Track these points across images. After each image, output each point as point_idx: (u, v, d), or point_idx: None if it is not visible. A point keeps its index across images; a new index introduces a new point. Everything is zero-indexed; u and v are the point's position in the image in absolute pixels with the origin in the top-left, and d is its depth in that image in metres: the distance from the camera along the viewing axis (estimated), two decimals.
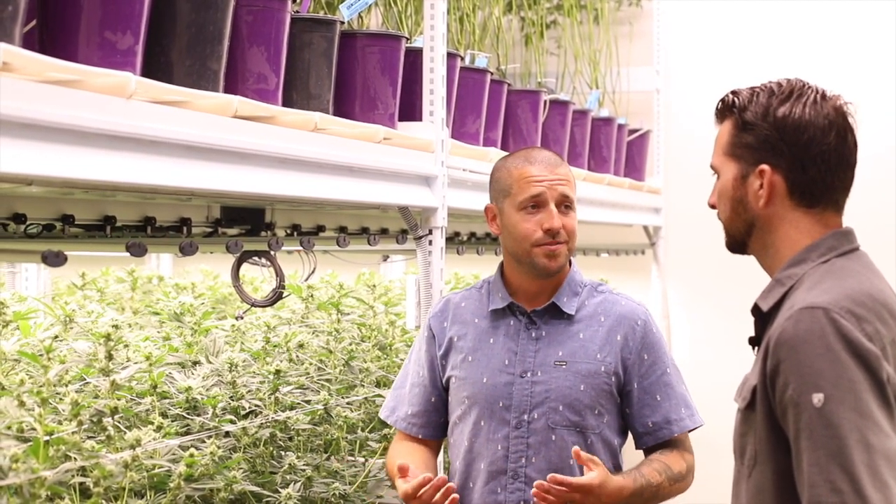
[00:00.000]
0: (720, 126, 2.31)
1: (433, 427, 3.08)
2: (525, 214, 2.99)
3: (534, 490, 2.72)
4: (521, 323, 3.03)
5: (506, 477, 2.93)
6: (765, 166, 2.21)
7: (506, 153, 4.32)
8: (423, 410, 3.09)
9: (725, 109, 2.29)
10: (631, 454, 3.04)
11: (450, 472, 3.06)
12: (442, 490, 2.77)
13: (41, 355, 2.74)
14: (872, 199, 5.69)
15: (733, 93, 2.28)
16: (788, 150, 2.20)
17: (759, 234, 2.26)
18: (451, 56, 3.71)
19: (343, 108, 3.22)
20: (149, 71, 2.38)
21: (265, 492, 3.00)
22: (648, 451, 3.02)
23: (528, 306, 3.03)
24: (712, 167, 2.32)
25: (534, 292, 3.04)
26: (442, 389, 3.09)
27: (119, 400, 2.77)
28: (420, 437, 3.09)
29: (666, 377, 3.01)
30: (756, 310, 2.24)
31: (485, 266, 6.02)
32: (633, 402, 2.99)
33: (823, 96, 2.22)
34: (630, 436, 3.06)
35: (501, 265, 3.10)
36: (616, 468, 2.98)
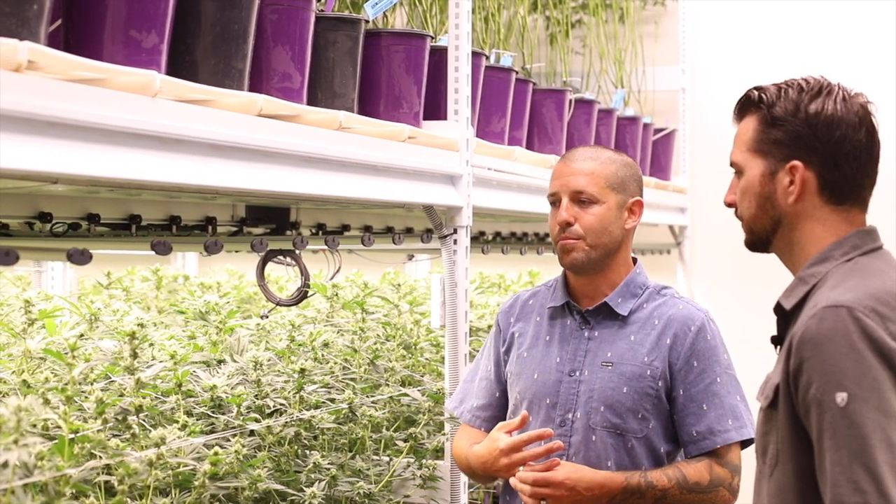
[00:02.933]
0: (741, 122, 2.29)
1: (496, 421, 3.08)
2: (552, 211, 3.03)
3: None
4: (575, 322, 3.03)
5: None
6: (796, 162, 2.20)
7: (530, 152, 4.33)
8: (488, 404, 3.13)
9: (750, 105, 2.27)
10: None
11: None
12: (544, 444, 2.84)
13: (66, 353, 2.75)
14: (876, 199, 5.66)
15: (757, 89, 2.26)
16: (821, 147, 2.18)
17: (784, 232, 2.24)
18: (476, 55, 3.71)
19: (368, 107, 3.22)
20: (173, 69, 2.39)
21: (290, 490, 3.00)
22: None
23: (583, 305, 3.03)
24: (733, 163, 2.30)
25: (589, 291, 3.03)
26: (505, 384, 3.11)
27: (144, 398, 2.77)
28: (483, 430, 3.09)
29: (715, 386, 2.94)
30: (779, 308, 2.22)
31: (510, 265, 6.02)
32: (679, 410, 2.94)
33: (849, 94, 2.20)
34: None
35: None
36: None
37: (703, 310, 3.03)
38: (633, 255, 3.11)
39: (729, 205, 2.32)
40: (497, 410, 3.12)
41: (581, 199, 2.97)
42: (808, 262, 2.20)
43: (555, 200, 3.02)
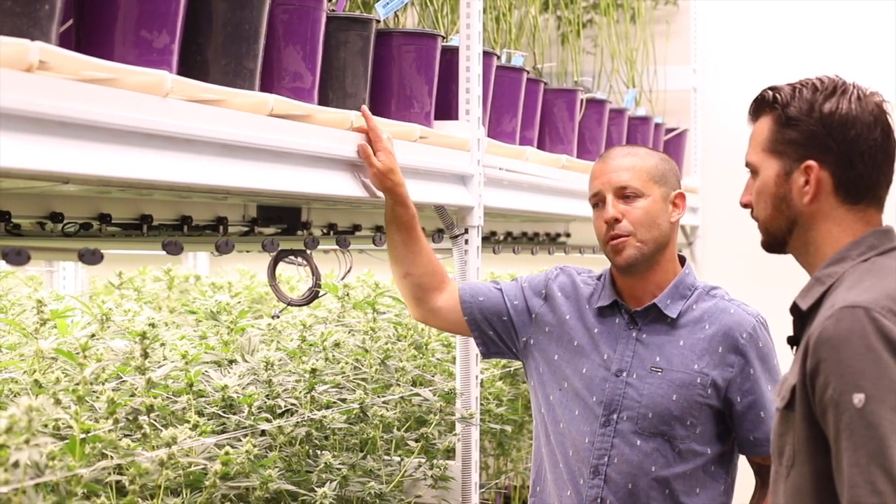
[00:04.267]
0: (756, 122, 2.29)
1: (473, 311, 3.11)
2: (595, 212, 3.00)
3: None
4: (624, 321, 3.01)
5: (588, 470, 2.94)
6: (811, 162, 2.19)
7: (542, 151, 4.33)
8: (484, 300, 3.13)
9: (764, 105, 2.26)
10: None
11: (538, 442, 3.11)
12: None
13: (78, 353, 2.75)
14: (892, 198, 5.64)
15: (772, 89, 2.25)
16: (836, 146, 2.17)
17: (800, 232, 2.23)
18: (487, 55, 3.70)
19: (379, 107, 3.22)
20: (185, 69, 2.39)
21: (301, 490, 3.00)
22: (751, 459, 3.02)
23: (632, 305, 3.01)
24: (748, 164, 2.29)
25: (637, 292, 3.01)
26: (507, 322, 3.12)
27: (155, 398, 2.77)
28: (464, 298, 3.12)
29: (770, 393, 2.91)
30: (795, 309, 2.21)
31: (521, 265, 6.01)
32: (736, 417, 2.94)
33: (864, 93, 2.19)
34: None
35: None
36: (706, 474, 2.95)
37: (754, 313, 2.99)
38: (680, 253, 3.09)
39: (745, 205, 2.31)
40: (485, 314, 3.12)
41: (626, 195, 2.94)
42: (824, 263, 2.19)
43: (598, 201, 2.99)
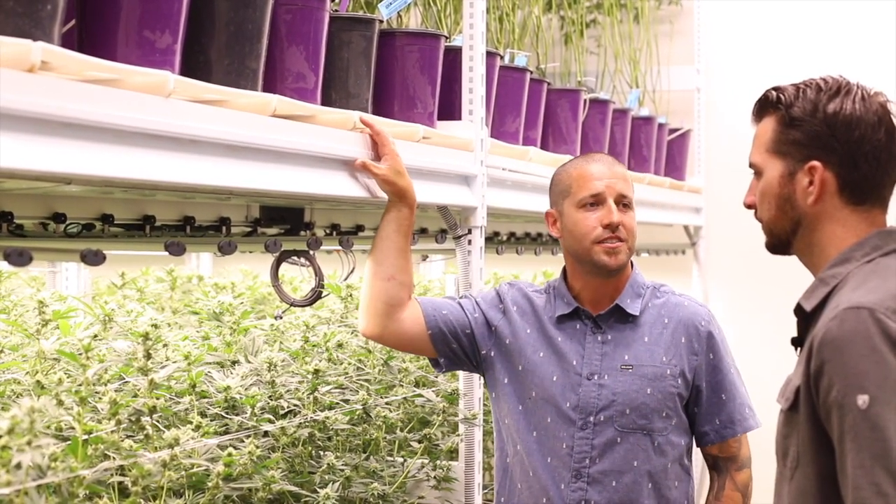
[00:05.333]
0: (760, 123, 2.28)
1: (438, 324, 3.09)
2: (585, 212, 3.03)
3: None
4: (587, 327, 3.07)
5: (569, 474, 2.99)
6: (815, 163, 2.18)
7: (545, 152, 4.32)
8: (448, 314, 3.11)
9: (768, 105, 2.25)
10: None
11: (503, 453, 3.13)
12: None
13: (80, 354, 2.75)
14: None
15: (776, 89, 2.24)
16: (840, 147, 2.16)
17: (804, 233, 2.22)
18: (490, 55, 3.70)
19: (382, 107, 3.21)
20: (187, 70, 2.38)
21: (303, 492, 3.00)
22: (708, 450, 3.09)
23: (592, 310, 3.07)
24: (752, 165, 2.29)
25: (597, 295, 3.08)
26: (470, 335, 3.12)
27: (157, 399, 2.76)
28: (427, 311, 3.10)
29: (731, 377, 3.07)
30: (799, 310, 2.21)
31: (524, 266, 6.01)
32: (703, 402, 3.05)
33: (868, 93, 2.19)
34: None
35: (564, 270, 3.15)
36: (682, 468, 3.05)
37: (704, 305, 3.16)
38: None
39: (749, 206, 2.31)
40: (444, 326, 3.10)
41: (625, 203, 3.04)
42: (828, 264, 2.18)
43: (596, 202, 3.03)
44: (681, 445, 3.04)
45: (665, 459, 3.00)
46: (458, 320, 3.12)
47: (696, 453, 3.12)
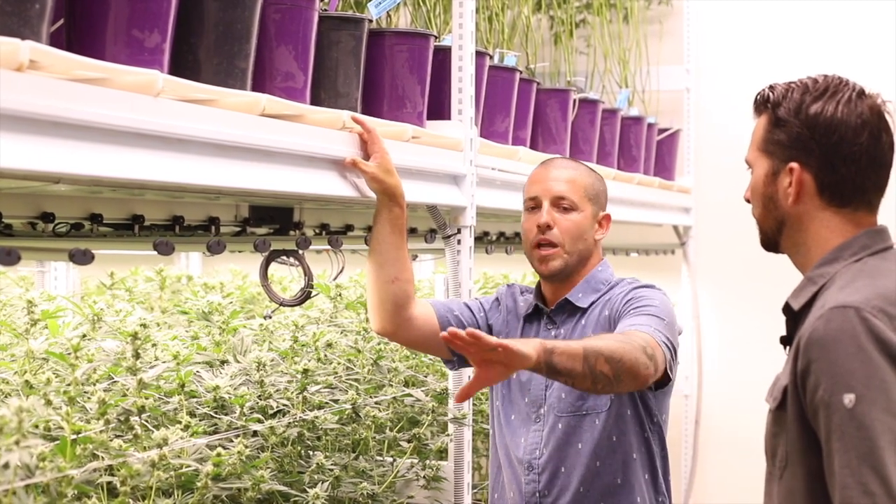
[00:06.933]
0: (757, 120, 2.29)
1: (451, 323, 3.12)
2: (527, 214, 3.13)
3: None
4: (544, 323, 3.15)
5: (523, 468, 3.08)
6: (794, 164, 2.19)
7: (534, 151, 4.32)
8: (458, 314, 3.17)
9: (761, 103, 2.26)
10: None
11: (495, 450, 3.22)
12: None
13: (69, 354, 2.74)
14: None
15: (770, 87, 2.25)
16: (819, 149, 2.16)
17: (789, 233, 2.23)
18: (479, 55, 3.70)
19: (371, 107, 3.21)
20: (176, 69, 2.38)
21: (293, 491, 2.99)
22: None
23: (549, 307, 3.15)
24: (747, 162, 2.30)
25: (556, 296, 3.14)
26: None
27: (146, 399, 2.76)
28: (439, 311, 3.14)
29: (650, 309, 2.88)
30: (787, 309, 2.21)
31: (514, 266, 6.01)
32: (618, 320, 2.95)
33: (860, 94, 2.17)
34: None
35: None
36: (617, 441, 3.01)
37: (649, 285, 3.04)
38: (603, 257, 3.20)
39: (748, 200, 2.32)
40: (456, 320, 3.15)
41: (563, 206, 3.07)
42: (816, 263, 2.19)
43: (534, 205, 3.11)
44: (626, 416, 2.99)
45: (608, 436, 2.99)
46: (469, 320, 3.19)
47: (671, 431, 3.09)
